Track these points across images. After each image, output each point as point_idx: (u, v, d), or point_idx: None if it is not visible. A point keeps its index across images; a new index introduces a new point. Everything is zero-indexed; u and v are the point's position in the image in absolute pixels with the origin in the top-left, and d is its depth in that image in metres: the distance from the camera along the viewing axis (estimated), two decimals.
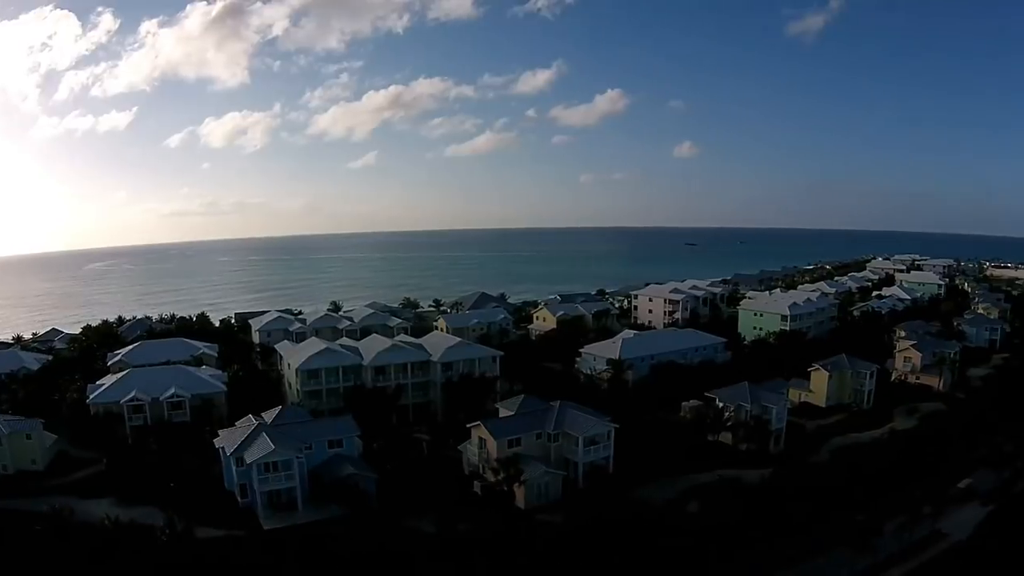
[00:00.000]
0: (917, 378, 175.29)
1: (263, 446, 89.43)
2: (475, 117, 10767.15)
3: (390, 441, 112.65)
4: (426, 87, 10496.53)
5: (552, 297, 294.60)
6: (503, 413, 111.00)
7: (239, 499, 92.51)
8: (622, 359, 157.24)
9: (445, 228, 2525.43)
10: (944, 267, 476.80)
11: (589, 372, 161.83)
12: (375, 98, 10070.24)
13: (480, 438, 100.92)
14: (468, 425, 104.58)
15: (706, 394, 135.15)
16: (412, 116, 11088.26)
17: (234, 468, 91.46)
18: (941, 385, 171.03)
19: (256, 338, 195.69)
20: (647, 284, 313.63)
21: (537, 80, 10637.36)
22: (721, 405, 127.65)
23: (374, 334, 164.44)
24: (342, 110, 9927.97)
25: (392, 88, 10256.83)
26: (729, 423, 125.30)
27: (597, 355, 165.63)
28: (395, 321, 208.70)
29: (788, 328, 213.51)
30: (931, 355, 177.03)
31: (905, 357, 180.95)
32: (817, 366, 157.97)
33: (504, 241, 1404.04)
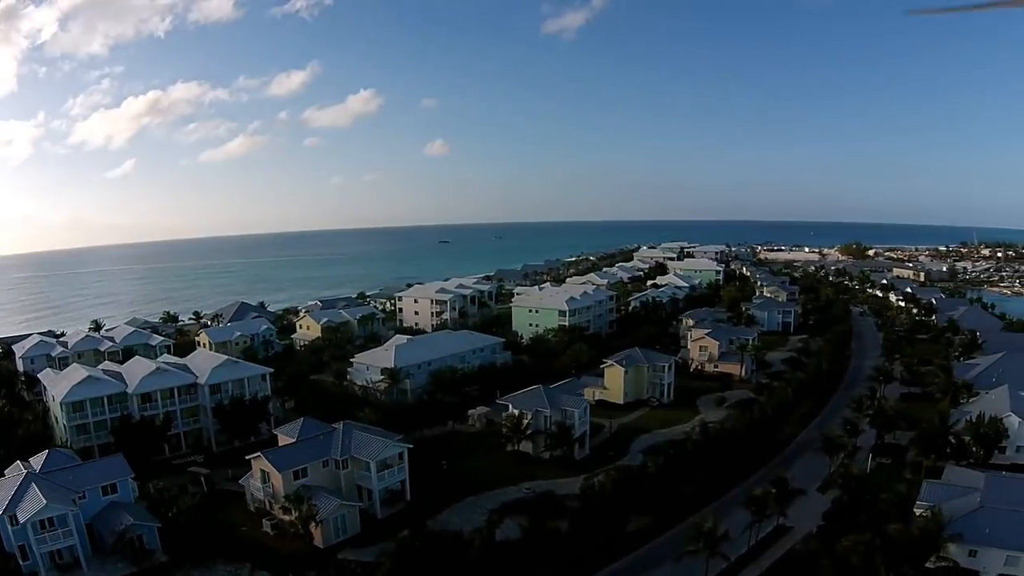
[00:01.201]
0: (716, 367, 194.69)
1: (35, 501, 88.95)
2: (229, 121, 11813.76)
3: (166, 479, 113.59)
4: (183, 91, 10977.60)
5: (313, 303, 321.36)
6: (283, 440, 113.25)
7: (20, 562, 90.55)
8: (398, 367, 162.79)
9: (203, 236, 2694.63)
10: (717, 253, 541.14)
11: (364, 384, 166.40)
12: (134, 104, 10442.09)
13: (262, 471, 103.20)
14: (247, 457, 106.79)
15: (497, 400, 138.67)
16: (169, 122, 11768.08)
17: (9, 528, 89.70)
18: (743, 372, 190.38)
19: (20, 366, 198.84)
20: (409, 285, 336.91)
21: (292, 82, 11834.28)
22: (518, 412, 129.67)
23: (137, 356, 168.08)
24: (102, 117, 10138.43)
25: (151, 93, 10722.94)
26: (529, 431, 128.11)
27: (370, 364, 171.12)
28: (157, 339, 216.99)
29: (567, 323, 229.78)
30: (727, 342, 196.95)
31: (701, 346, 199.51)
32: (611, 362, 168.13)
33: (260, 247, 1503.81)
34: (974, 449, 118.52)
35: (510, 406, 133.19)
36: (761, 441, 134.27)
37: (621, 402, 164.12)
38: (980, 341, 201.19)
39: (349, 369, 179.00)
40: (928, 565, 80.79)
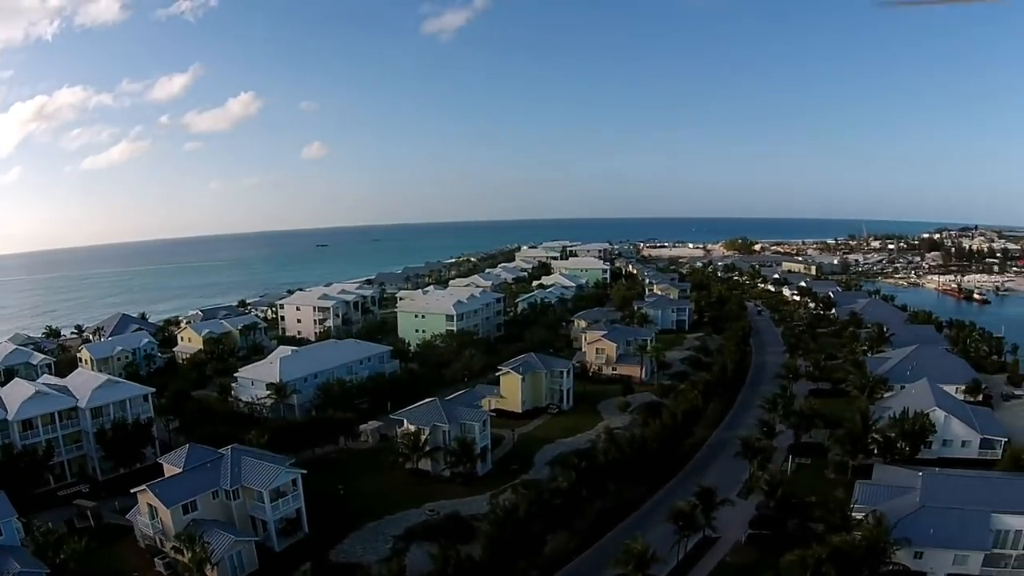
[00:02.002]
0: (614, 369, 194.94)
1: None
2: (112, 126, 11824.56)
3: (52, 513, 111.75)
4: (68, 96, 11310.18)
5: (194, 313, 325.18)
6: (169, 470, 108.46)
7: None
8: (284, 382, 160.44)
9: (92, 244, 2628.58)
10: (600, 251, 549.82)
11: (250, 400, 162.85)
12: (21, 109, 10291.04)
13: (150, 505, 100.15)
14: (133, 490, 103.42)
15: (391, 416, 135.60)
16: (55, 128, 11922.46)
17: None
18: (643, 374, 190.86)
19: None
20: (290, 291, 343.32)
21: (174, 85, 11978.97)
22: (415, 428, 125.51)
23: (17, 378, 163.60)
24: None
25: (38, 98, 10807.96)
26: (427, 448, 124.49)
27: (255, 379, 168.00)
28: (38, 357, 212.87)
29: (456, 328, 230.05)
30: (625, 344, 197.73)
31: (597, 349, 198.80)
32: (507, 369, 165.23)
33: (138, 255, 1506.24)
34: (900, 445, 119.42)
35: (405, 421, 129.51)
36: (673, 446, 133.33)
37: (520, 411, 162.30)
38: (888, 334, 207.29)
39: (233, 384, 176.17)
40: None
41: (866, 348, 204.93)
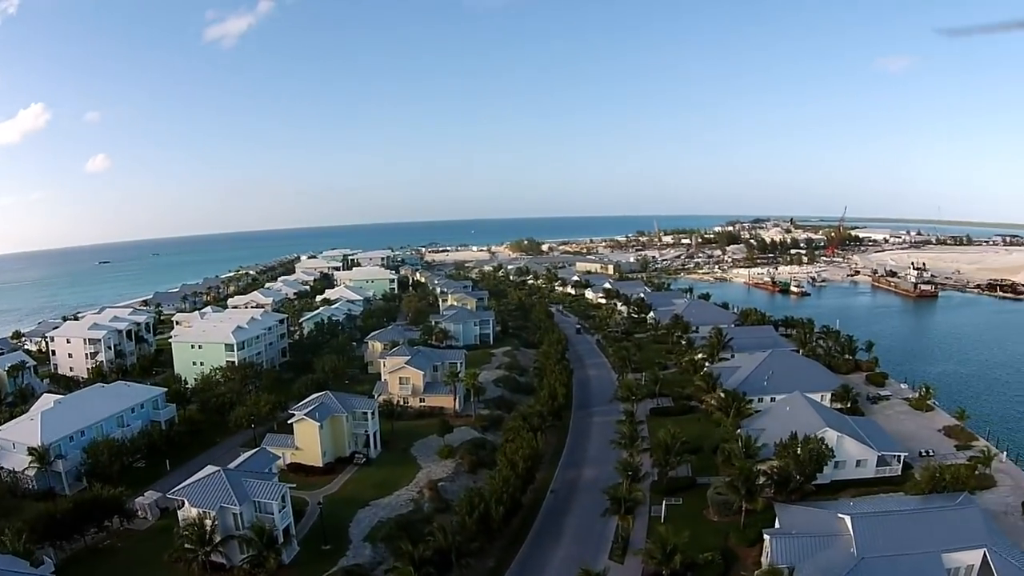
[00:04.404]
0: (422, 400, 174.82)
1: None
2: None
3: None
4: None
5: None
6: None
7: None
8: (45, 445, 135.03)
9: None
10: (383, 258, 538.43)
11: (12, 471, 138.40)
12: None
13: None
14: None
15: (170, 494, 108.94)
16: None
17: None
18: (457, 404, 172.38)
19: None
20: (65, 318, 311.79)
21: None
22: (197, 514, 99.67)
23: None
24: None
25: None
26: (217, 539, 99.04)
27: (16, 441, 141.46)
28: None
29: (236, 359, 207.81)
30: (432, 369, 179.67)
31: (401, 378, 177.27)
32: (300, 415, 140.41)
33: None
34: (796, 477, 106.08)
35: (186, 503, 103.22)
36: (515, 502, 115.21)
37: (321, 464, 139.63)
38: (727, 339, 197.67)
39: None
40: None
41: (703, 356, 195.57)
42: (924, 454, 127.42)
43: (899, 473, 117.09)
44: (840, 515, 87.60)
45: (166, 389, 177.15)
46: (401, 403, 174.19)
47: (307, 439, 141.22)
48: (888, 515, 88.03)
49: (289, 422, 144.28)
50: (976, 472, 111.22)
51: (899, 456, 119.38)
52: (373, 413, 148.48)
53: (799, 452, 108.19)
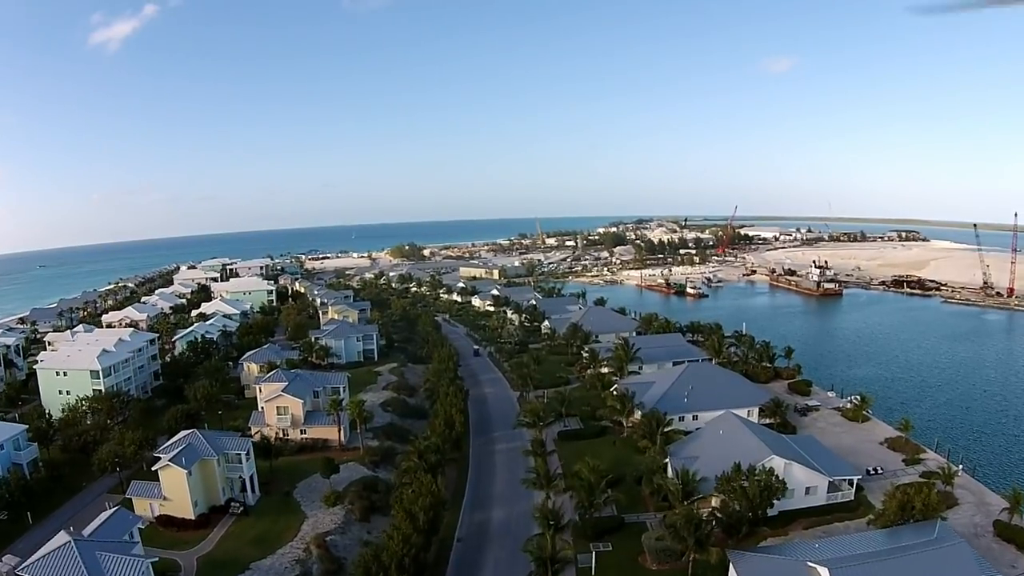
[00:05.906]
0: (304, 432, 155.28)
1: None
2: None
3: None
4: None
5: None
6: None
7: None
8: None
9: None
10: (262, 267, 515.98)
11: None
12: None
13: None
14: None
15: (19, 571, 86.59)
16: None
17: None
18: (342, 435, 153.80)
19: None
20: None
21: None
22: None
23: None
24: None
25: None
26: None
27: None
28: None
29: (104, 388, 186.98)
30: (313, 396, 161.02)
31: (279, 407, 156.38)
32: (166, 460, 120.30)
33: None
34: (747, 516, 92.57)
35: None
36: (421, 560, 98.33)
37: (192, 516, 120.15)
38: (635, 350, 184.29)
39: None
40: None
41: (611, 371, 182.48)
42: (873, 472, 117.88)
43: (852, 498, 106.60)
44: (811, 564, 74.12)
45: (26, 427, 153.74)
46: (281, 436, 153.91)
47: (175, 488, 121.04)
48: (870, 562, 74.49)
49: (154, 468, 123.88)
50: (936, 491, 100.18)
51: (851, 480, 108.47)
52: (248, 454, 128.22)
53: (746, 486, 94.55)
